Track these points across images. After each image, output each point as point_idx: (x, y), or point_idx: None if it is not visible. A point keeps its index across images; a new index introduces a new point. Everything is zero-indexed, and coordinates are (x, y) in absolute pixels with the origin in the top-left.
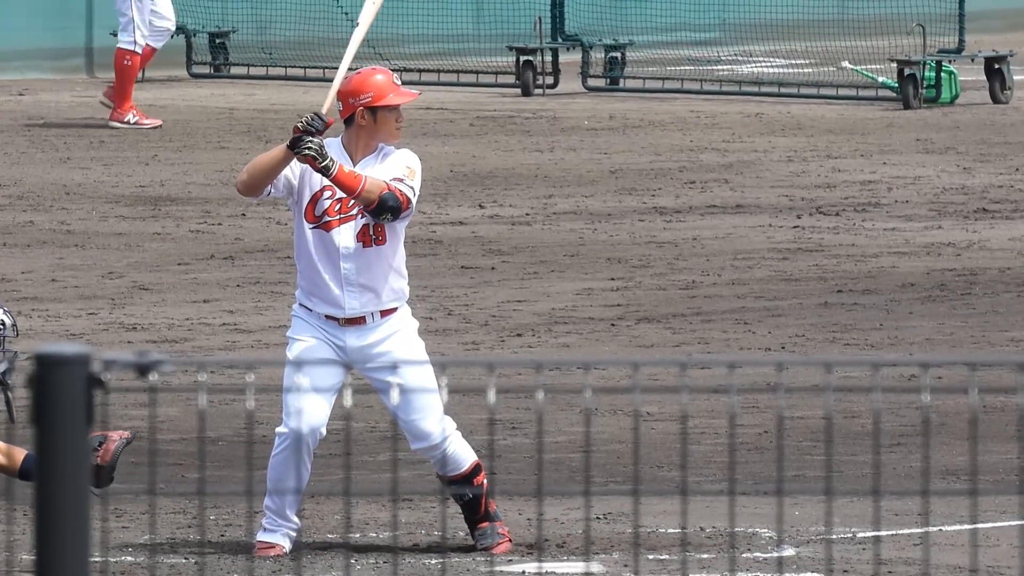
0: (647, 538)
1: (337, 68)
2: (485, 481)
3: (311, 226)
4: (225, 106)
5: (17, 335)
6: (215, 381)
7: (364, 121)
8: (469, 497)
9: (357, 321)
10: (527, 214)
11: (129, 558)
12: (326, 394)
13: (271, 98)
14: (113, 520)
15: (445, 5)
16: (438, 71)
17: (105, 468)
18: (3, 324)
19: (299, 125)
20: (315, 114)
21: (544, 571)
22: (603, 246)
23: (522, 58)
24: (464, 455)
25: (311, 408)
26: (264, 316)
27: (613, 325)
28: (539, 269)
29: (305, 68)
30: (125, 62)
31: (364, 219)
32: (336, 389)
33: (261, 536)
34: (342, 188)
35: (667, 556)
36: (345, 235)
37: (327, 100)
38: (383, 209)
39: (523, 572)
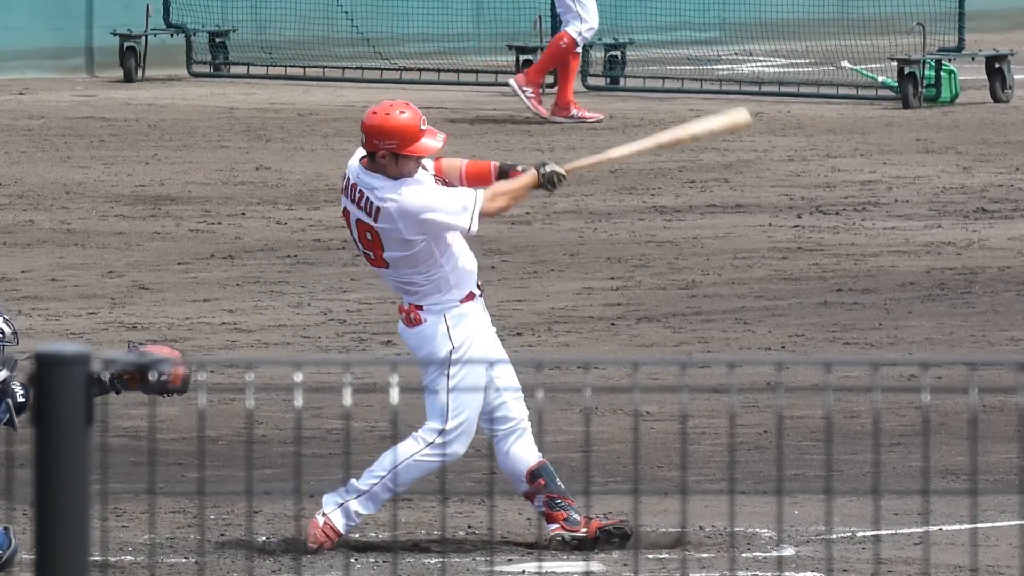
0: (647, 538)
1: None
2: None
3: None
4: (225, 105)
5: (17, 343)
6: (215, 381)
7: (385, 161)
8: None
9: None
10: (527, 214)
11: (129, 558)
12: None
13: (271, 97)
14: (113, 520)
15: (445, 5)
16: (438, 70)
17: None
18: (3, 333)
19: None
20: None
21: (544, 571)
22: (603, 245)
23: (522, 57)
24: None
25: (473, 429)
26: (264, 316)
27: (613, 324)
28: (539, 269)
29: (305, 68)
30: (561, 44)
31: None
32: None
33: (347, 523)
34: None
35: (667, 556)
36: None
37: (581, 162)
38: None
39: (523, 572)
